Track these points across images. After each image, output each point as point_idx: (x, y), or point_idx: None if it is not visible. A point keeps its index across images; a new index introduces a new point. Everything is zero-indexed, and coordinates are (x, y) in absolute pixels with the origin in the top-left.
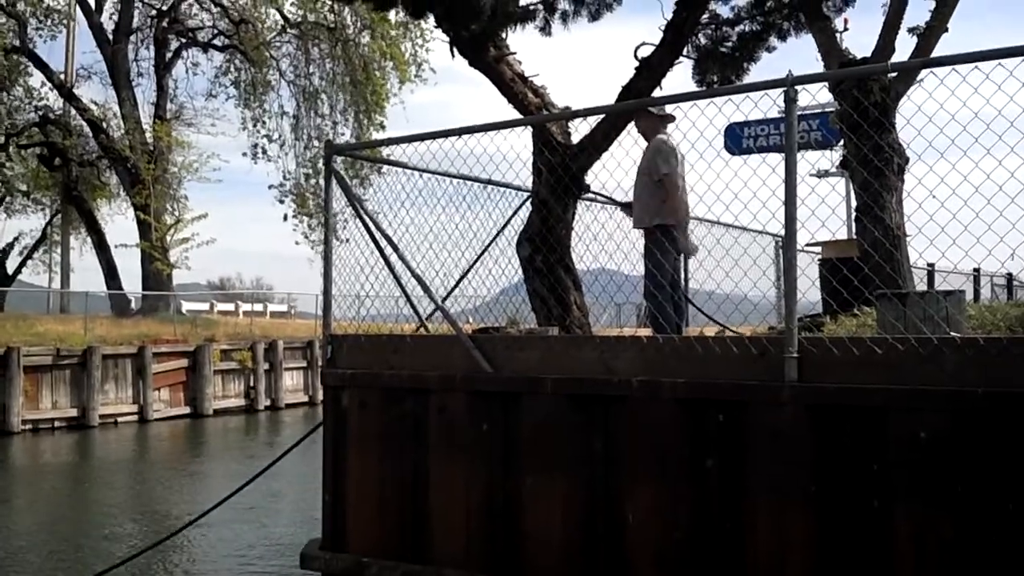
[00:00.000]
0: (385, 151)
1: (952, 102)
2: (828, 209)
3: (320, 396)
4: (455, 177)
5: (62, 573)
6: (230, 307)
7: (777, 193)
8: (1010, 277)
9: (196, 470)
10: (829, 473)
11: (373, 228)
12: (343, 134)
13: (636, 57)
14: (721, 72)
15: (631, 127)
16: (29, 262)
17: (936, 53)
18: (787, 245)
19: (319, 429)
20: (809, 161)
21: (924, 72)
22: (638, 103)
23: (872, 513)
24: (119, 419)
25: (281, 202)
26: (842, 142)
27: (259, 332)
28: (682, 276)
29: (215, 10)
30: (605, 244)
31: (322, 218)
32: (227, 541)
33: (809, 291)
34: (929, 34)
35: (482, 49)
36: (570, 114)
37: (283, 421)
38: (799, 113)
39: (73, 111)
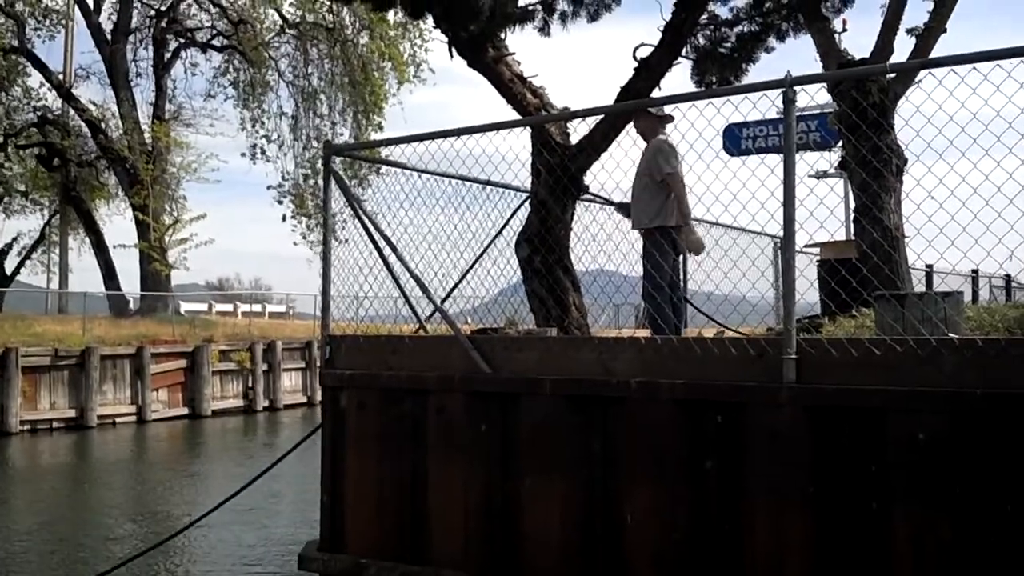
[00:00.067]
0: (384, 152)
1: (950, 103)
2: (826, 210)
3: (318, 397)
4: (454, 178)
5: (62, 574)
6: (228, 308)
7: (776, 194)
8: (1008, 278)
9: (195, 471)
10: (827, 474)
11: (372, 229)
12: (342, 134)
13: (635, 58)
14: (720, 73)
15: (630, 128)
16: (27, 262)
17: (935, 54)
18: (785, 246)
19: (318, 432)
20: (808, 162)
21: (923, 73)
22: (637, 104)
23: (870, 514)
24: (117, 420)
25: (280, 203)
26: (840, 143)
27: (257, 333)
28: (681, 277)
29: (214, 10)
30: (604, 245)
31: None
32: (227, 542)
33: (807, 292)
34: (928, 35)
35: (481, 50)
36: (569, 115)
37: (281, 422)
38: (798, 114)
39: (72, 111)
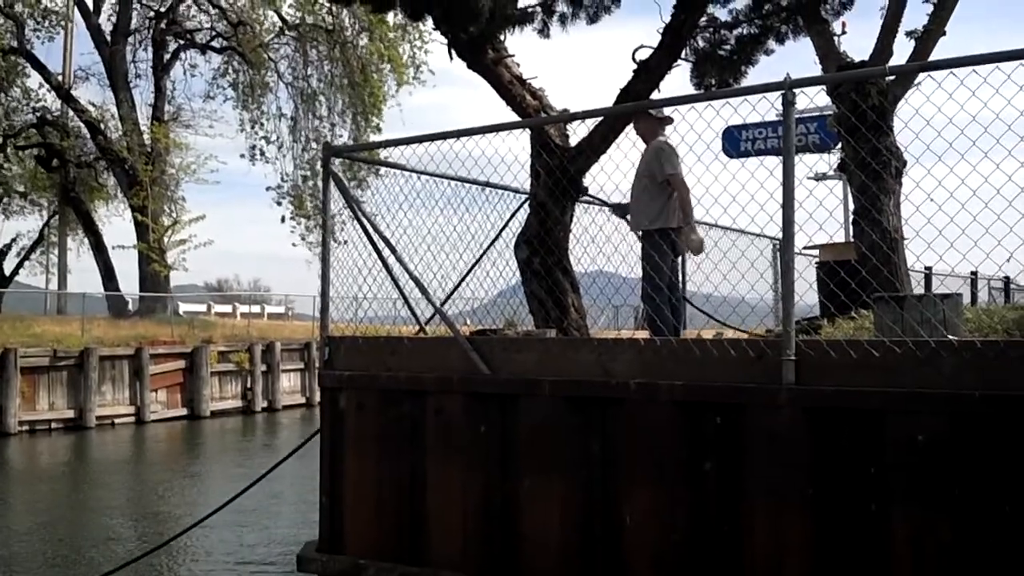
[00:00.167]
0: (383, 153)
1: (950, 105)
2: (826, 212)
3: (317, 398)
4: (453, 179)
5: (62, 574)
6: (227, 308)
7: (775, 196)
8: (1007, 280)
9: (194, 471)
10: (826, 476)
11: (371, 230)
12: (341, 136)
13: (634, 60)
14: (719, 75)
15: (629, 130)
16: (26, 263)
17: (934, 56)
18: (785, 248)
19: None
20: (807, 164)
21: (922, 75)
22: (636, 106)
23: (870, 516)
24: (116, 420)
25: (279, 204)
26: (840, 145)
27: (256, 334)
28: (680, 279)
29: (213, 12)
30: (603, 247)
31: (320, 220)
32: (228, 542)
33: (806, 294)
34: (927, 37)
35: (480, 51)
36: (568, 116)
37: (280, 423)
38: (797, 116)
39: (71, 112)
